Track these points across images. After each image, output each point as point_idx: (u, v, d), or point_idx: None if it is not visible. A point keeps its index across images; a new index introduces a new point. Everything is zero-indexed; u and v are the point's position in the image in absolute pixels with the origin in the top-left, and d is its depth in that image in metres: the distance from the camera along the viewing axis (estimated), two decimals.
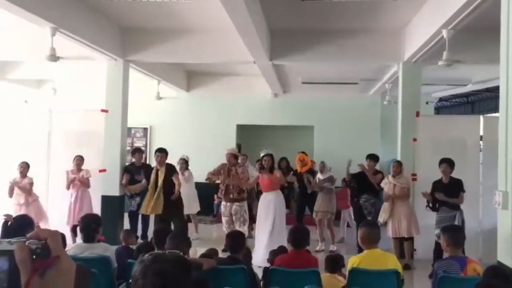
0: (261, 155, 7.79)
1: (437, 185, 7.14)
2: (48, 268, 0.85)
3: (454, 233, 4.31)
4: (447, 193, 7.00)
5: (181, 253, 2.14)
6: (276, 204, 7.49)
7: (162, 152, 7.90)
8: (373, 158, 8.34)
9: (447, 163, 7.09)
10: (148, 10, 7.48)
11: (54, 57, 6.62)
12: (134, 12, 7.68)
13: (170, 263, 1.78)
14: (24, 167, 8.05)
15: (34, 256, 0.84)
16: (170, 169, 7.89)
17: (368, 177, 8.00)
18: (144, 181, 8.30)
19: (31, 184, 8.03)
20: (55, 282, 0.85)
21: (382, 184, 7.80)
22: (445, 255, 4.52)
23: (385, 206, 7.55)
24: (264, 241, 7.22)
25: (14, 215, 6.30)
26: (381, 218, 7.46)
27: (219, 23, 7.64)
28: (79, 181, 8.25)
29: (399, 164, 7.72)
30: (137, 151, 9.20)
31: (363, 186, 8.10)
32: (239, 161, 8.48)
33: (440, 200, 7.06)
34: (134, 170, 8.73)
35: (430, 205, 7.28)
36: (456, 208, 6.99)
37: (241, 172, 7.81)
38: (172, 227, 7.40)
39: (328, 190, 8.73)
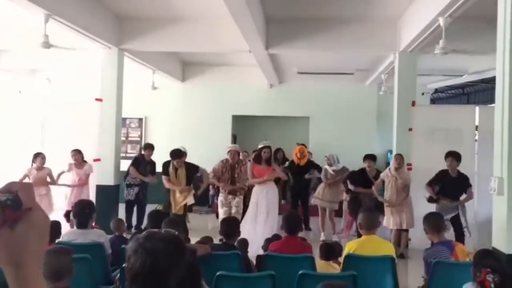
0: (260, 146, 7.77)
1: (443, 178, 7.01)
2: (18, 220, 0.83)
3: (433, 220, 4.37)
4: (455, 187, 6.98)
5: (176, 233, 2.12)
6: (273, 196, 7.51)
7: (179, 158, 7.64)
8: (372, 158, 8.33)
9: (453, 157, 6.94)
10: None
11: (47, 44, 6.54)
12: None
13: (163, 242, 1.75)
14: (44, 158, 8.09)
15: (3, 208, 0.82)
16: (192, 166, 7.83)
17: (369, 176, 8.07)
18: (151, 177, 8.82)
19: (50, 174, 8.13)
20: (27, 234, 0.83)
21: (381, 175, 7.79)
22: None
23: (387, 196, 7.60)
24: (260, 231, 7.20)
25: None
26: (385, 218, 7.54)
27: (215, 12, 7.59)
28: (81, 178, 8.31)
29: (401, 157, 7.65)
30: (148, 147, 9.19)
31: (362, 183, 8.12)
32: (241, 157, 8.46)
33: (442, 192, 7.02)
34: (142, 162, 8.90)
35: (433, 196, 7.15)
36: (458, 200, 7.01)
37: (244, 170, 7.79)
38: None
39: (336, 181, 8.73)
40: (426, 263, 4.16)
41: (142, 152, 9.30)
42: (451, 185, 6.99)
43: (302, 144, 10.17)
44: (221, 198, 7.83)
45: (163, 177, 7.76)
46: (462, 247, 4.09)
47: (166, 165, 7.77)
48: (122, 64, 8.93)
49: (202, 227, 9.41)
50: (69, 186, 8.19)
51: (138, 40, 8.62)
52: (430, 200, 7.21)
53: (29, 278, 0.85)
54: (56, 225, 4.52)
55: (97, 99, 8.73)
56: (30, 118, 9.81)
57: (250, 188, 8.00)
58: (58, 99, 10.29)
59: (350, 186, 8.28)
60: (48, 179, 8.12)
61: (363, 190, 8.08)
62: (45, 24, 6.45)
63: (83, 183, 8.26)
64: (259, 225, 7.30)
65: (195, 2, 7.51)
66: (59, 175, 8.23)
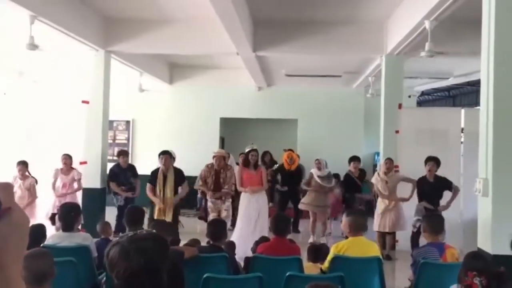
0: (247, 150, 7.77)
1: (423, 183, 7.10)
2: None
3: (434, 220, 4.37)
4: (433, 191, 7.05)
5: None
6: (264, 201, 7.56)
7: (165, 154, 7.53)
8: (358, 159, 8.69)
9: (434, 161, 7.03)
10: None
11: (33, 46, 6.49)
12: (116, 1, 7.56)
13: (150, 240, 1.75)
14: (21, 170, 7.65)
15: None
16: (180, 175, 7.59)
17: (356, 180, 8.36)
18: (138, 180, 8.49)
19: (33, 185, 7.76)
20: (6, 234, 0.82)
21: (373, 181, 7.86)
22: (423, 241, 4.57)
23: (380, 200, 7.66)
24: (251, 236, 7.15)
25: None
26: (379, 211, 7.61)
27: (202, 14, 7.59)
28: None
29: (391, 161, 7.68)
30: (122, 154, 8.85)
31: (351, 187, 8.37)
32: (228, 162, 8.44)
33: (424, 194, 7.10)
34: (120, 172, 8.59)
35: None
36: (437, 203, 7.07)
37: (229, 176, 7.76)
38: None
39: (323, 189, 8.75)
40: (414, 261, 4.17)
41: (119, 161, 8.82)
42: (430, 189, 7.06)
43: (290, 150, 10.17)
44: (209, 204, 7.83)
45: (148, 185, 7.47)
46: (453, 251, 4.05)
47: (154, 173, 7.55)
48: (109, 66, 8.88)
49: (190, 230, 9.35)
50: (62, 195, 8.01)
51: (125, 42, 8.57)
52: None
53: (11, 280, 0.83)
54: (41, 228, 4.47)
55: (83, 101, 8.67)
56: (15, 121, 9.73)
57: (237, 191, 7.98)
58: (44, 101, 10.21)
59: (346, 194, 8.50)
60: (30, 190, 7.72)
61: (359, 195, 8.57)
62: (31, 26, 6.39)
63: (73, 189, 8.06)
64: (250, 230, 7.29)
65: (183, 4, 7.49)
66: (53, 185, 7.95)
